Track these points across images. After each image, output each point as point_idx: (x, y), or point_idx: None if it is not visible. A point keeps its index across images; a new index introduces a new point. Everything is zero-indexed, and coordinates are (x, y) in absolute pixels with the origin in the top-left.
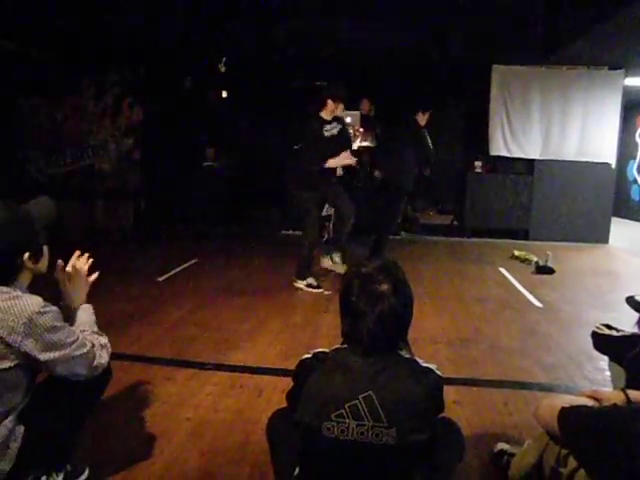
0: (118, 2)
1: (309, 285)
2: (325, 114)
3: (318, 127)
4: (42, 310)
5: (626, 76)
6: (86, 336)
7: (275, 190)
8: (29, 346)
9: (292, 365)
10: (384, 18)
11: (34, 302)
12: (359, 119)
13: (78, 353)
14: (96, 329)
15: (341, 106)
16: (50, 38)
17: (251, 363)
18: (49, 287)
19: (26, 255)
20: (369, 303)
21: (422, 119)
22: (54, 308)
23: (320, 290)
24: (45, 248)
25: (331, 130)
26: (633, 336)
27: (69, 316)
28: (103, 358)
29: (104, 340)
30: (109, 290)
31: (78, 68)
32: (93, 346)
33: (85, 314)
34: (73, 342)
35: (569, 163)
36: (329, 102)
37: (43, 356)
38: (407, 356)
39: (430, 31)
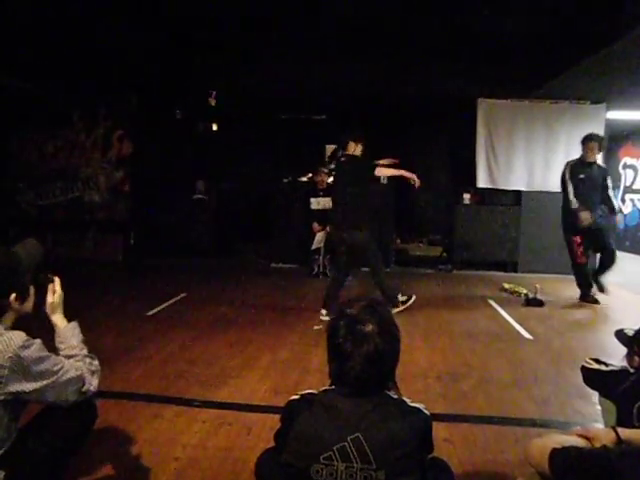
0: (108, 35)
1: (403, 302)
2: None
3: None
4: (26, 344)
5: (608, 110)
6: (76, 361)
7: (265, 223)
8: (16, 379)
9: (281, 402)
10: (368, 53)
11: (17, 336)
12: None
13: (65, 378)
14: (86, 351)
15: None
16: (41, 71)
17: (240, 400)
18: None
19: (12, 296)
20: (355, 344)
21: None
22: (37, 340)
23: (413, 300)
24: (31, 289)
25: None
26: (622, 371)
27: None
28: (92, 385)
29: (95, 364)
30: (97, 324)
31: (69, 101)
32: (82, 373)
33: (73, 334)
34: (60, 369)
35: (556, 194)
36: (351, 144)
37: (31, 386)
38: (395, 396)
39: (415, 65)
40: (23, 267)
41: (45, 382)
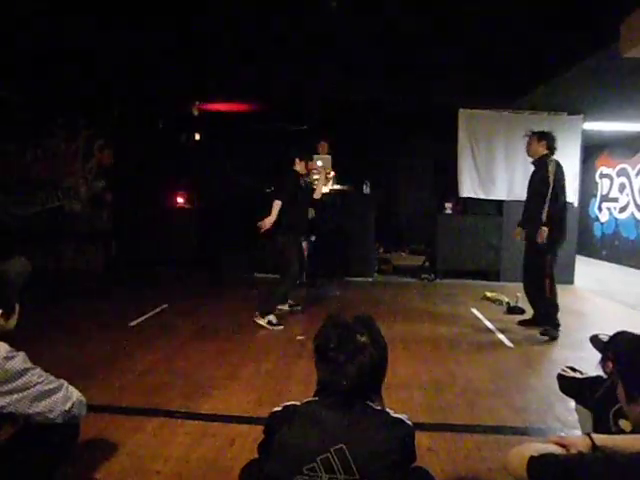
0: (91, 44)
1: (270, 322)
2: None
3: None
4: (9, 355)
5: (585, 121)
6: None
7: (248, 233)
8: (2, 389)
9: (265, 413)
10: (352, 65)
11: (1, 348)
12: (330, 162)
13: (50, 387)
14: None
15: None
16: (21, 81)
17: (223, 411)
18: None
19: None
20: (349, 354)
21: None
22: (21, 353)
23: (281, 327)
24: (17, 306)
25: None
26: (597, 378)
27: None
28: (82, 410)
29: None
30: (77, 336)
31: (49, 111)
32: (66, 385)
33: None
34: (44, 380)
35: None
36: (296, 161)
37: (15, 397)
38: (378, 407)
39: (398, 77)
40: (11, 284)
41: (27, 392)
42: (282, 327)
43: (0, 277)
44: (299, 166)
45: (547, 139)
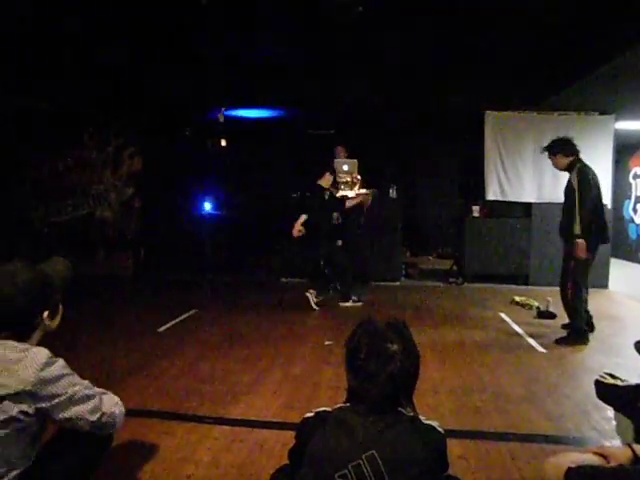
0: (118, 53)
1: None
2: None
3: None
4: (49, 361)
5: (616, 120)
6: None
7: (275, 238)
8: (38, 395)
9: (294, 418)
10: (379, 66)
11: (42, 353)
12: (356, 167)
13: (86, 393)
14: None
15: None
16: (53, 90)
17: (252, 416)
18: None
19: (45, 313)
20: (380, 363)
21: None
22: (60, 359)
23: (360, 303)
24: (60, 306)
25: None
26: (639, 386)
27: None
28: (117, 419)
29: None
30: (108, 341)
31: (81, 120)
32: (101, 398)
33: None
34: (79, 387)
35: None
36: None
37: (53, 402)
38: (410, 414)
39: (426, 79)
40: (55, 284)
41: (64, 397)
42: (361, 303)
43: (44, 278)
44: (327, 179)
45: (564, 150)
